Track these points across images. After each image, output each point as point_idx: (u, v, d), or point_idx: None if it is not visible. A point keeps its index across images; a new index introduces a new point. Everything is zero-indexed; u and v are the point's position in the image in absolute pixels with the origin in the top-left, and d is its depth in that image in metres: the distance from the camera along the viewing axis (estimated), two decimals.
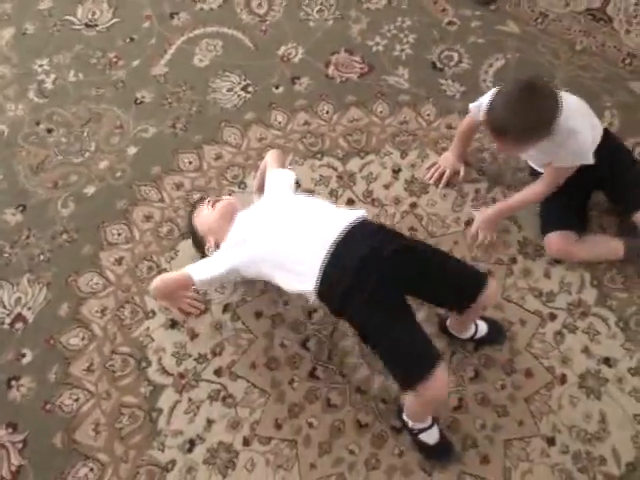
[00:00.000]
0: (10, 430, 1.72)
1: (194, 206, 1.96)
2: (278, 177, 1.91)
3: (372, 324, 1.53)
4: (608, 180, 1.95)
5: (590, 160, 1.82)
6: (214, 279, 1.74)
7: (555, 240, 1.96)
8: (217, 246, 1.80)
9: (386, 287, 1.52)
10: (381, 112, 2.32)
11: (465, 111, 2.26)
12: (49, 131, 2.25)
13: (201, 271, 1.70)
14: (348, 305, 1.55)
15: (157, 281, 1.79)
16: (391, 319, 1.51)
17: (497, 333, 1.87)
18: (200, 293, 1.92)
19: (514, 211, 2.04)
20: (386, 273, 1.53)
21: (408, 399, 1.61)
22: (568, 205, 1.97)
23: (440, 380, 1.48)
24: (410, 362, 1.50)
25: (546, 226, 2.00)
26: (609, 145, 1.92)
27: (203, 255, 1.86)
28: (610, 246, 1.98)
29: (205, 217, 1.87)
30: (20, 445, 1.70)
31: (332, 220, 1.63)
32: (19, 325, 1.87)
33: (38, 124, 2.26)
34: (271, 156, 2.00)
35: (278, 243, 1.64)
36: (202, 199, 1.97)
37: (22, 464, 1.67)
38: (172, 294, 1.83)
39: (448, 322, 1.84)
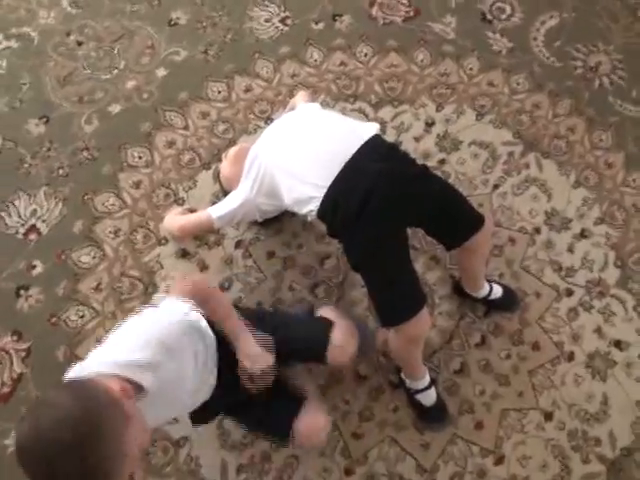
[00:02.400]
0: (15, 338, 1.74)
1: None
2: (304, 108, 1.79)
3: (369, 254, 1.44)
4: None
5: None
6: (232, 213, 1.65)
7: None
8: None
9: (389, 216, 1.43)
10: (422, 61, 2.22)
11: (509, 69, 2.16)
12: (79, 44, 2.19)
13: (219, 208, 1.66)
14: (349, 228, 1.44)
15: (179, 223, 1.76)
16: (388, 254, 1.44)
17: (511, 301, 1.83)
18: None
19: None
20: (392, 200, 1.42)
21: (388, 335, 1.55)
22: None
23: (423, 320, 1.46)
24: (398, 302, 1.45)
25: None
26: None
27: None
28: None
29: (222, 170, 1.85)
30: (23, 353, 1.73)
31: (346, 136, 1.51)
32: (33, 236, 1.87)
33: (69, 35, 2.20)
34: (299, 96, 1.93)
35: (291, 151, 1.53)
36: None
37: (23, 372, 1.70)
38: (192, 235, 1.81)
39: (461, 282, 1.80)
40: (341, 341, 1.49)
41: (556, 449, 1.70)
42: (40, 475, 0.88)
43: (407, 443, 1.68)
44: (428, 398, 1.66)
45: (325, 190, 1.43)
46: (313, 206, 1.46)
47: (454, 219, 1.52)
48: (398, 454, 1.67)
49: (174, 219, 1.82)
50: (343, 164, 1.43)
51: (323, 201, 1.44)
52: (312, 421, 1.48)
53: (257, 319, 1.49)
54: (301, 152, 1.51)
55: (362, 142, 1.48)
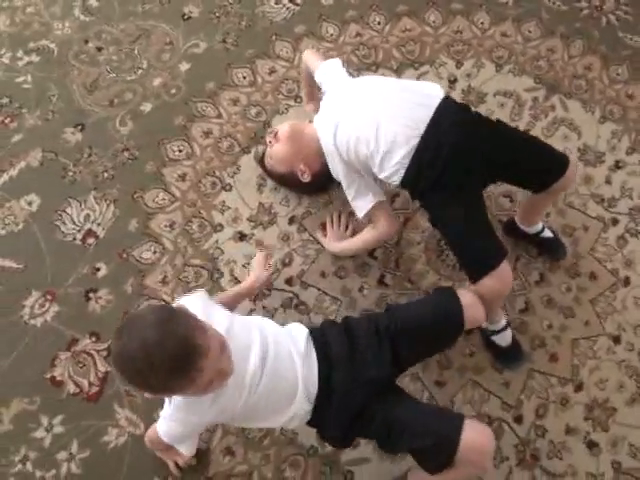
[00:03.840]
0: (94, 339, 1.77)
1: (261, 157, 1.93)
2: (329, 69, 1.83)
3: (452, 214, 1.51)
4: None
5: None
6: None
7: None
8: (309, 168, 1.77)
9: (472, 174, 1.51)
10: (434, 21, 2.27)
11: (519, 19, 2.22)
12: (99, 49, 2.21)
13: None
14: (433, 191, 1.52)
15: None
16: (469, 210, 1.51)
17: (558, 246, 1.88)
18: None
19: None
20: (475, 159, 1.51)
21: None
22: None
23: (506, 271, 1.49)
24: (483, 251, 1.50)
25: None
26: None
27: (302, 191, 1.90)
28: None
29: (278, 153, 1.81)
30: (105, 353, 1.75)
31: (419, 100, 1.57)
32: (91, 240, 1.90)
33: (87, 42, 2.22)
34: (308, 57, 1.92)
35: (374, 116, 1.56)
36: (262, 145, 1.98)
37: (108, 370, 1.73)
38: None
39: (517, 217, 1.85)
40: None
41: (629, 369, 1.76)
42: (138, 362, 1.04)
43: (489, 384, 1.74)
44: (504, 339, 1.72)
45: (413, 153, 1.51)
46: (398, 176, 1.55)
47: (541, 163, 1.57)
48: (482, 395, 1.73)
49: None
50: (425, 127, 1.50)
51: (409, 166, 1.52)
52: (480, 431, 1.31)
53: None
54: (386, 120, 1.54)
55: (438, 102, 1.55)
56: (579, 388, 1.74)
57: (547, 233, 1.85)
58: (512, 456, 1.66)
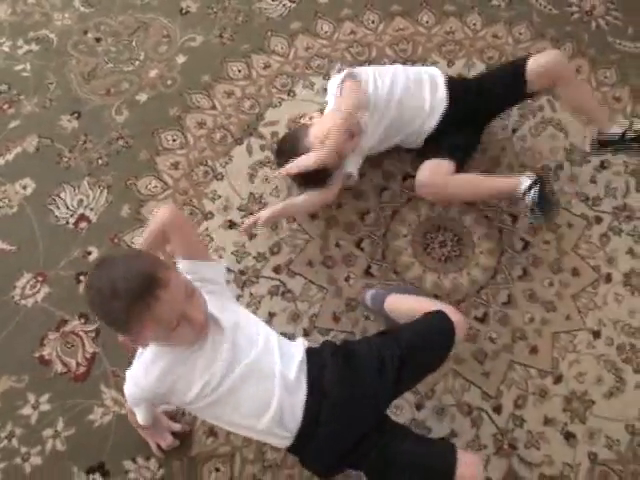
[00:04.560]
0: (83, 320, 1.80)
1: (295, 134, 1.86)
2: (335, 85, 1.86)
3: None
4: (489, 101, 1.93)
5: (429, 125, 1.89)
6: None
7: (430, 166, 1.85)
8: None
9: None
10: (427, 22, 2.32)
11: (510, 21, 2.27)
12: (97, 40, 2.26)
13: None
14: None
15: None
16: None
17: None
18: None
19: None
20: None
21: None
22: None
23: (470, 464, 1.32)
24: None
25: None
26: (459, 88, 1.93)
27: (308, 183, 1.85)
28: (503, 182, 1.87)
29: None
30: (93, 334, 1.78)
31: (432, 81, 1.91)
32: (83, 225, 1.93)
33: (86, 33, 2.27)
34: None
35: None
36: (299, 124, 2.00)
37: (96, 351, 1.76)
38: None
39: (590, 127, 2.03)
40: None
41: (608, 363, 1.79)
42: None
43: (469, 374, 1.77)
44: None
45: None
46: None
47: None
48: (463, 385, 1.76)
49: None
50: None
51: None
52: (471, 464, 1.32)
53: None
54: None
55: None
56: (558, 380, 1.77)
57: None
58: (490, 445, 1.68)
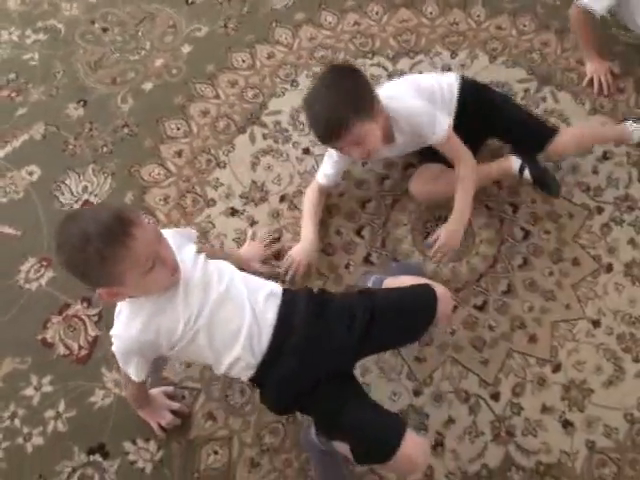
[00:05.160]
0: (85, 305, 1.83)
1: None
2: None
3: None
4: (493, 128, 1.91)
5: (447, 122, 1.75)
6: None
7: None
8: None
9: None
10: (431, 13, 2.32)
11: (514, 12, 2.27)
12: (104, 30, 2.29)
13: None
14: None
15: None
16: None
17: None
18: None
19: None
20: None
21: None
22: None
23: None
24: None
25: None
26: (473, 96, 1.85)
27: None
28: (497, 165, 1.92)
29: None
30: (95, 318, 1.81)
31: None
32: None
33: (93, 23, 2.30)
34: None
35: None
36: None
37: (98, 335, 1.79)
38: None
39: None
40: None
41: (608, 352, 1.79)
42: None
43: (467, 361, 1.77)
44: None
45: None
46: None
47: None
48: (461, 372, 1.76)
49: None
50: None
51: None
52: (418, 445, 1.31)
53: None
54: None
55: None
56: (557, 369, 1.77)
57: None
58: (487, 432, 1.69)
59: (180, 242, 1.42)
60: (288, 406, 1.44)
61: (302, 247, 1.84)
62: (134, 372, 1.43)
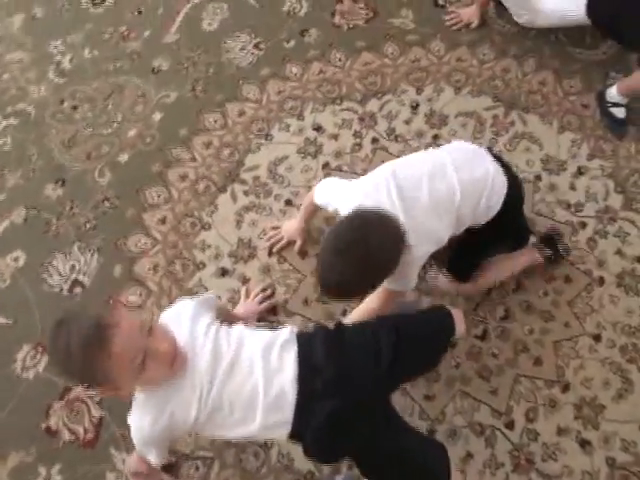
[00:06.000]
0: (86, 386, 1.79)
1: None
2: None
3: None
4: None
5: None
6: None
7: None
8: None
9: None
10: (392, 53, 2.38)
11: (472, 43, 2.34)
12: (74, 108, 2.30)
13: None
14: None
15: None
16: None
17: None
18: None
19: None
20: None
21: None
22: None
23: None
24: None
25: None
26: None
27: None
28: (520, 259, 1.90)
29: None
30: (97, 399, 1.78)
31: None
32: (77, 290, 1.95)
33: (62, 102, 2.32)
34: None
35: None
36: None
37: (102, 415, 1.76)
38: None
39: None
40: None
41: (613, 365, 1.80)
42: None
43: (477, 393, 1.77)
44: (621, 112, 2.04)
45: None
46: None
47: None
48: (472, 404, 1.76)
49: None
50: None
51: None
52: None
53: None
54: None
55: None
56: (566, 389, 1.77)
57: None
58: (507, 462, 1.68)
59: (195, 313, 1.40)
60: (334, 452, 1.38)
61: (290, 225, 1.96)
62: (154, 458, 1.40)
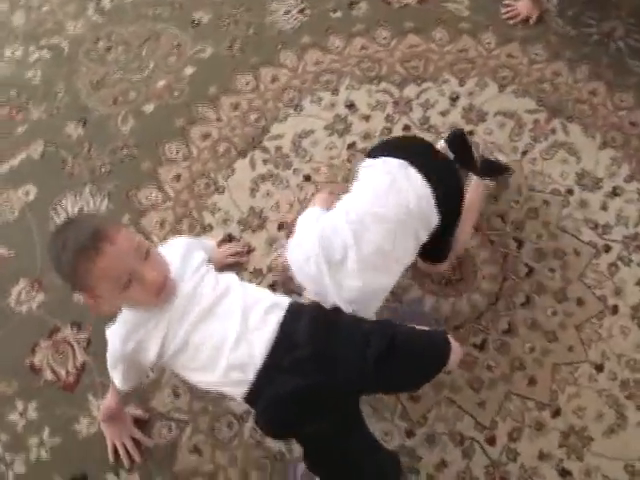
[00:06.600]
0: (75, 330, 1.80)
1: None
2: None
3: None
4: None
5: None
6: None
7: None
8: None
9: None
10: (440, 39, 2.28)
11: (525, 40, 2.22)
12: (108, 49, 2.28)
13: None
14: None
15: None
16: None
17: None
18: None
19: None
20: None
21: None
22: None
23: None
24: None
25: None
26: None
27: None
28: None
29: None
30: (84, 343, 1.78)
31: None
32: None
33: (97, 42, 2.29)
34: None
35: None
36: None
37: (86, 360, 1.76)
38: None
39: None
40: None
41: (610, 399, 1.72)
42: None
43: (464, 402, 1.71)
44: None
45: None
46: None
47: None
48: (456, 413, 1.70)
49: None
50: None
51: None
52: None
53: None
54: None
55: None
56: (556, 414, 1.70)
57: None
58: (481, 477, 1.63)
59: (186, 251, 1.41)
60: (282, 428, 1.32)
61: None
62: (118, 379, 1.41)
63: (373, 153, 1.67)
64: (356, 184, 1.61)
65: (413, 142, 1.78)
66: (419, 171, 1.54)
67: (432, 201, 1.54)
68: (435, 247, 1.67)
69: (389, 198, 1.50)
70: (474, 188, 1.87)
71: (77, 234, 1.19)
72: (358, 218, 1.46)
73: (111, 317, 1.36)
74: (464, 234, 1.81)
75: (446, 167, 1.67)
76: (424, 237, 1.57)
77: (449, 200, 1.59)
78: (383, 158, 1.59)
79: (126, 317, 1.34)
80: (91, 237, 1.18)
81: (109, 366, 1.42)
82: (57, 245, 1.21)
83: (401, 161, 1.55)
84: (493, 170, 1.91)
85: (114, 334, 1.35)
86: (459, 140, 1.89)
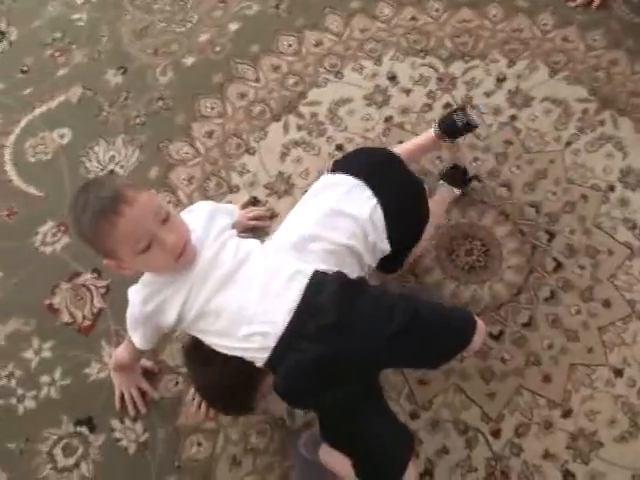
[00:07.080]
0: (95, 275, 1.82)
1: None
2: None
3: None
4: None
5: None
6: None
7: None
8: None
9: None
10: (494, 16, 2.19)
11: (584, 25, 2.12)
12: None
13: None
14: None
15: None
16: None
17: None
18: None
19: None
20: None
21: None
22: None
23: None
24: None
25: None
26: None
27: None
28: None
29: None
30: (103, 290, 1.81)
31: None
32: None
33: None
34: None
35: None
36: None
37: (103, 307, 1.78)
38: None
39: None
40: None
41: (626, 406, 1.66)
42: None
43: (473, 392, 1.68)
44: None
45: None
46: None
47: None
48: (463, 402, 1.68)
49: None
50: None
51: None
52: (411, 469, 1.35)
53: None
54: None
55: None
56: (567, 415, 1.66)
57: None
58: (481, 469, 1.61)
59: (209, 217, 1.39)
60: (302, 395, 1.30)
61: None
62: (138, 340, 1.41)
63: (335, 166, 1.60)
64: (307, 200, 1.55)
65: (379, 158, 1.63)
66: (375, 194, 1.46)
67: (382, 228, 1.46)
68: (388, 262, 1.60)
69: (336, 221, 1.44)
70: (439, 200, 1.82)
71: (96, 197, 1.18)
72: (300, 239, 1.40)
73: (134, 278, 1.36)
74: (419, 248, 1.74)
75: (409, 188, 1.57)
76: (370, 262, 1.50)
77: (405, 226, 1.51)
78: (342, 175, 1.53)
79: (149, 279, 1.34)
80: (111, 200, 1.16)
81: (128, 325, 1.41)
82: (77, 209, 1.20)
83: (358, 181, 1.49)
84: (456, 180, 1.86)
85: (135, 294, 1.34)
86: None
